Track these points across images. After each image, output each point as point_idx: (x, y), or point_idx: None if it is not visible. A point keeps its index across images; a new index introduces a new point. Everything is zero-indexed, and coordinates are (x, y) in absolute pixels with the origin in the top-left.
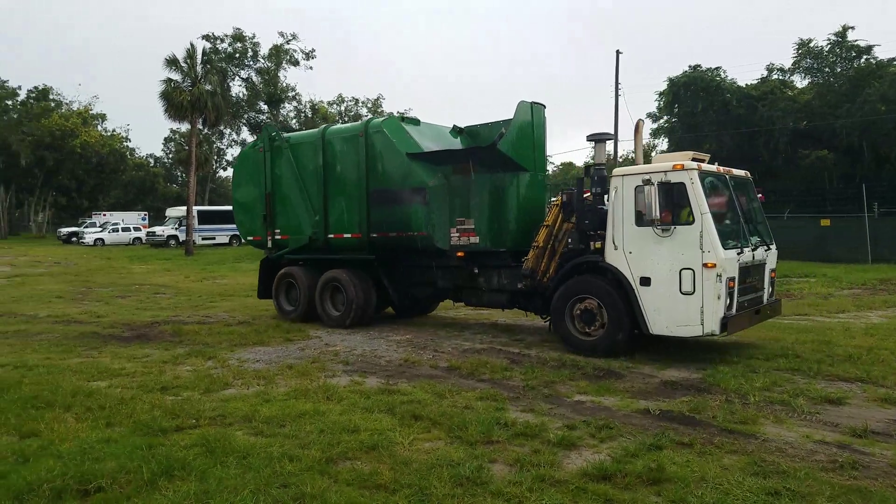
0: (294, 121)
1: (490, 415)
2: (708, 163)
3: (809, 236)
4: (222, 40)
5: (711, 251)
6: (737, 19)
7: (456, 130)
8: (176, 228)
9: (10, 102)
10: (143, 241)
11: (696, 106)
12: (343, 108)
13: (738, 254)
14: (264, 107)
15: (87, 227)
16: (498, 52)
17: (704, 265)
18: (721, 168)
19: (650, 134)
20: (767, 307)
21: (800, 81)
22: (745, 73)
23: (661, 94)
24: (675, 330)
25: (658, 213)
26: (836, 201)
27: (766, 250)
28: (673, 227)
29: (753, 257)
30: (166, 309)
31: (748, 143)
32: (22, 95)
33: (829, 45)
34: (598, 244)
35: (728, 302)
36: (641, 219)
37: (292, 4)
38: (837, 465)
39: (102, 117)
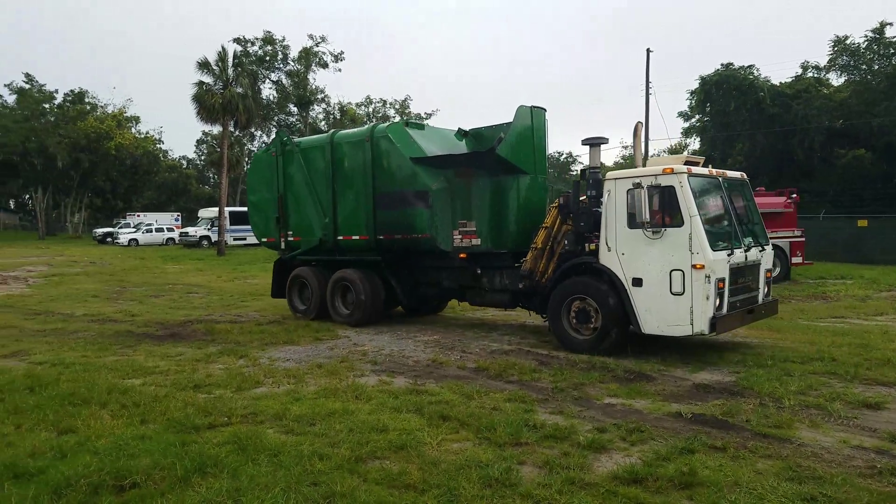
0: (323, 123)
1: (518, 416)
2: (702, 165)
3: (846, 237)
4: (253, 43)
5: (700, 253)
6: (768, 16)
7: (461, 133)
8: (208, 229)
9: (47, 106)
10: (176, 242)
11: (729, 105)
12: (371, 110)
13: (729, 255)
14: (294, 109)
15: (121, 227)
16: (521, 52)
17: (693, 266)
18: (715, 171)
19: (681, 133)
20: (762, 307)
21: (836, 79)
22: (779, 71)
23: (692, 92)
24: (666, 329)
25: (648, 216)
26: (874, 201)
27: (760, 251)
28: (663, 229)
29: (746, 258)
30: (199, 308)
31: (782, 143)
32: (59, 99)
33: (865, 42)
34: (592, 246)
35: (718, 302)
36: (633, 221)
37: (320, 6)
38: (876, 471)
39: (136, 120)
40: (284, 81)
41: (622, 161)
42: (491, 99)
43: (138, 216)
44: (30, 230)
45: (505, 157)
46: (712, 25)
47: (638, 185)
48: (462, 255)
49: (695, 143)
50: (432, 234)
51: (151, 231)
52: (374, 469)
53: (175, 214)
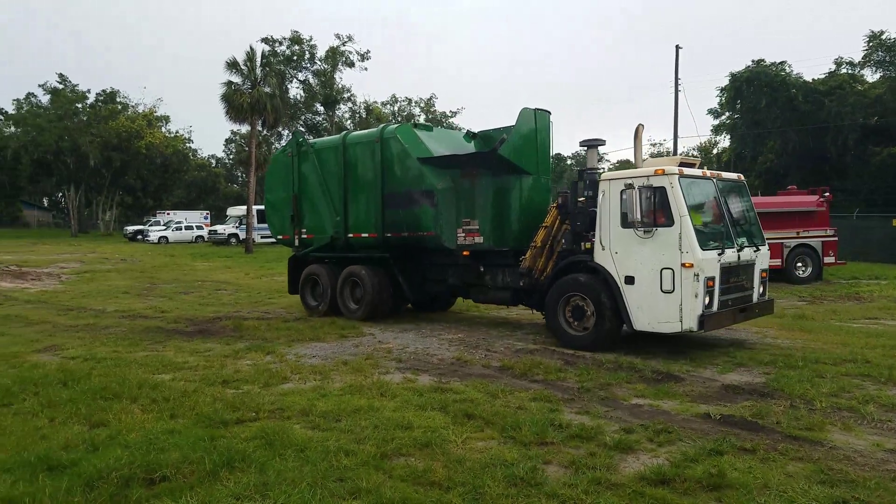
0: (349, 122)
1: (544, 416)
2: (698, 167)
3: (880, 236)
4: (281, 43)
5: (689, 252)
6: (800, 12)
7: (469, 135)
8: (236, 227)
9: (79, 105)
10: (205, 240)
11: (760, 102)
12: (396, 109)
13: (720, 254)
14: (320, 108)
15: (151, 225)
16: (546, 51)
17: (683, 265)
18: (709, 172)
19: (711, 130)
20: (756, 306)
21: (871, 75)
22: (811, 67)
23: (722, 89)
24: (657, 326)
25: (640, 216)
26: None
27: (755, 251)
28: (654, 228)
29: (739, 258)
30: (227, 305)
31: (815, 140)
32: (91, 99)
33: None
34: (588, 244)
35: (707, 300)
36: (626, 221)
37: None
38: None
39: (166, 119)
40: (311, 81)
41: (649, 158)
42: (518, 97)
43: (168, 214)
44: (63, 227)
45: (507, 157)
46: (741, 21)
47: (630, 186)
48: (465, 253)
49: (725, 141)
50: (437, 232)
51: (181, 229)
52: (399, 466)
53: (204, 212)
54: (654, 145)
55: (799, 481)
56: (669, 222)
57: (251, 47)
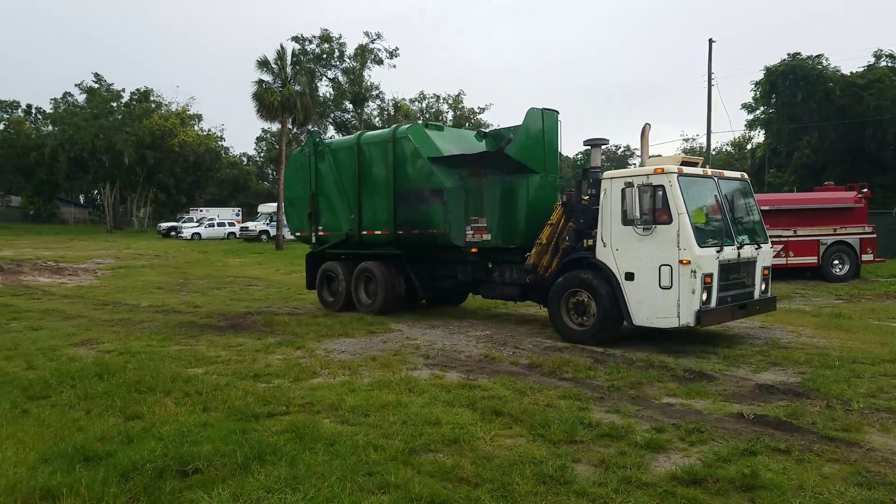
0: (377, 119)
1: (573, 414)
2: (701, 166)
3: None
4: (310, 41)
5: (687, 249)
6: (837, 3)
7: (480, 134)
8: (267, 224)
9: (114, 104)
10: (237, 236)
11: (796, 96)
12: (424, 105)
13: (718, 252)
14: (349, 106)
15: (184, 222)
16: (577, 46)
17: (680, 262)
18: (711, 171)
19: (745, 125)
20: (757, 303)
21: None
22: (850, 60)
23: (756, 83)
24: (655, 321)
25: (639, 214)
26: None
27: (756, 249)
28: (654, 226)
29: (739, 255)
30: (258, 300)
31: (853, 135)
32: (125, 97)
33: None
34: (590, 242)
35: (705, 296)
36: (627, 218)
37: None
38: None
39: (199, 118)
40: (340, 79)
41: (681, 153)
42: (547, 94)
43: (201, 211)
44: (98, 224)
45: (513, 156)
46: (776, 14)
47: (630, 185)
48: (473, 250)
49: (759, 136)
50: (446, 230)
51: (213, 225)
52: (427, 461)
53: (236, 209)
54: (686, 140)
55: (835, 483)
56: (668, 220)
57: (282, 46)
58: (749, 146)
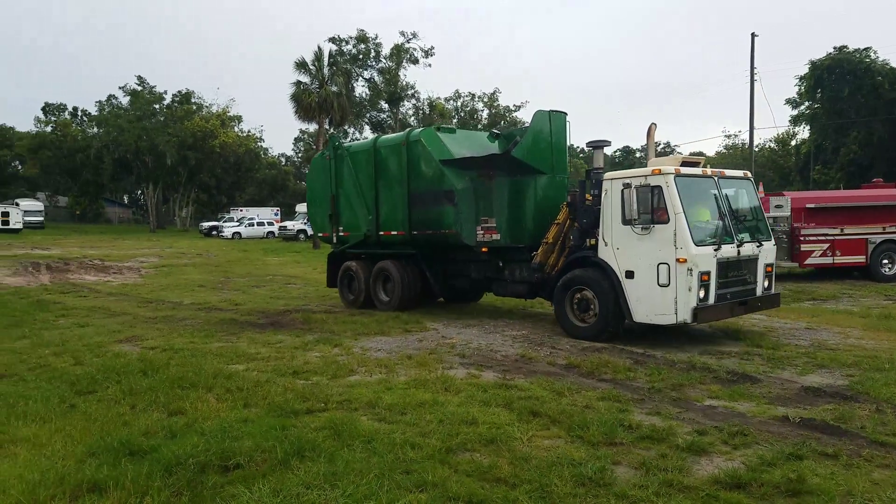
0: (413, 118)
1: (613, 416)
2: (702, 166)
3: None
4: (347, 42)
5: (683, 248)
6: None
7: (493, 136)
8: (305, 223)
9: (157, 106)
10: (276, 235)
11: (842, 90)
12: (460, 104)
13: (716, 250)
14: (385, 105)
15: (225, 221)
16: (614, 42)
17: (677, 260)
18: (711, 170)
19: (790, 121)
20: (759, 300)
21: None
22: None
23: (801, 78)
24: (654, 318)
25: (637, 213)
26: None
27: (758, 246)
28: (652, 225)
29: (739, 253)
30: (296, 298)
31: None
32: (167, 100)
33: None
34: (592, 241)
35: (703, 294)
36: (626, 218)
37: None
38: None
39: (238, 119)
40: (376, 79)
41: (724, 151)
42: (581, 89)
43: (241, 211)
44: (142, 224)
45: (520, 158)
46: (821, 6)
47: (628, 185)
48: (483, 249)
49: (804, 132)
50: (458, 230)
51: (253, 225)
52: (464, 461)
53: (274, 209)
54: (727, 137)
55: (885, 489)
56: (665, 219)
57: (319, 47)
58: (793, 142)
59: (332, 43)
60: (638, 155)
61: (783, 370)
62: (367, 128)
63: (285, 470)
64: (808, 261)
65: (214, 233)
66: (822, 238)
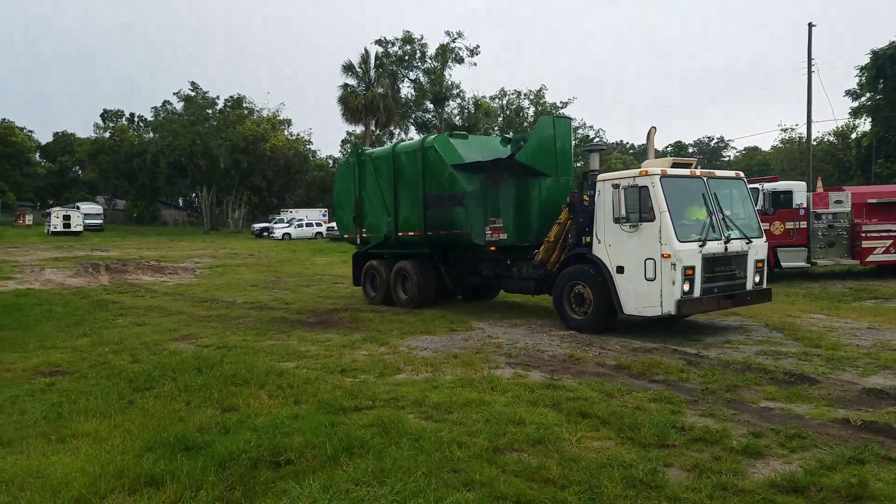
0: (457, 118)
1: (665, 417)
2: (694, 167)
3: None
4: (393, 44)
5: (667, 244)
6: None
7: (505, 140)
8: None
9: (210, 111)
10: (324, 236)
11: None
12: (505, 102)
13: (701, 246)
14: (430, 106)
15: (276, 223)
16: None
17: (662, 256)
18: (702, 171)
19: (849, 113)
20: (748, 294)
21: None
22: None
23: (862, 68)
24: (641, 310)
25: (624, 212)
26: None
27: (747, 243)
28: (640, 223)
29: (726, 249)
30: (344, 297)
31: None
32: (220, 104)
33: None
34: (587, 239)
35: (688, 287)
36: (615, 217)
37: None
38: None
39: (288, 122)
40: (422, 79)
41: (780, 145)
42: (635, 86)
43: (290, 212)
44: (196, 226)
45: (524, 162)
46: None
47: (617, 186)
48: (492, 248)
49: (865, 125)
50: (468, 230)
51: (302, 226)
52: (511, 461)
53: (323, 210)
54: (784, 131)
55: None
56: (651, 217)
57: (366, 49)
58: (853, 135)
59: (379, 45)
60: (690, 150)
61: (844, 371)
62: (412, 128)
63: (334, 466)
64: (870, 258)
65: (265, 234)
66: (885, 234)
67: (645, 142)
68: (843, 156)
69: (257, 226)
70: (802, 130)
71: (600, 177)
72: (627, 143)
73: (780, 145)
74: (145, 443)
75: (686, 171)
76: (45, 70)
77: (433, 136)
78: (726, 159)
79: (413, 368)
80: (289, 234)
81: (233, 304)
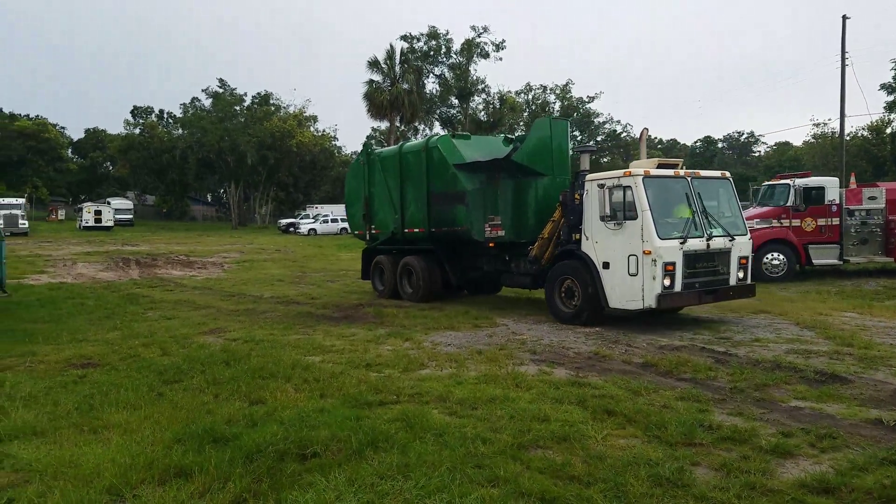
0: (482, 113)
1: (692, 416)
2: (680, 167)
3: None
4: (418, 39)
5: (648, 241)
6: None
7: (507, 140)
8: None
9: (237, 108)
10: (349, 231)
11: None
12: (531, 97)
13: (682, 243)
14: (455, 101)
15: (302, 218)
16: (698, 27)
17: (644, 252)
18: (685, 171)
19: (884, 108)
20: (731, 289)
21: None
22: None
23: None
24: (625, 304)
25: (609, 211)
26: None
27: (730, 240)
28: (624, 221)
29: (708, 246)
30: (368, 293)
31: None
32: (247, 101)
33: None
34: (577, 236)
35: (668, 282)
36: (601, 215)
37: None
38: None
39: (314, 119)
40: (447, 74)
41: (812, 140)
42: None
43: (316, 208)
44: (225, 221)
45: (521, 162)
46: None
47: (602, 186)
48: (491, 245)
49: None
50: (468, 227)
51: (328, 221)
52: (536, 458)
53: None
54: (816, 125)
55: None
56: (635, 216)
57: (391, 45)
58: (888, 130)
59: (404, 41)
60: (720, 146)
61: (877, 371)
62: (437, 124)
63: (360, 460)
64: None
65: (292, 229)
66: None
67: (639, 143)
68: (877, 151)
69: (283, 221)
70: (835, 125)
71: (588, 177)
72: (656, 138)
73: (812, 140)
74: (174, 434)
75: (670, 172)
76: (77, 68)
77: (437, 137)
78: (756, 154)
79: (437, 364)
80: (314, 229)
81: (260, 299)
